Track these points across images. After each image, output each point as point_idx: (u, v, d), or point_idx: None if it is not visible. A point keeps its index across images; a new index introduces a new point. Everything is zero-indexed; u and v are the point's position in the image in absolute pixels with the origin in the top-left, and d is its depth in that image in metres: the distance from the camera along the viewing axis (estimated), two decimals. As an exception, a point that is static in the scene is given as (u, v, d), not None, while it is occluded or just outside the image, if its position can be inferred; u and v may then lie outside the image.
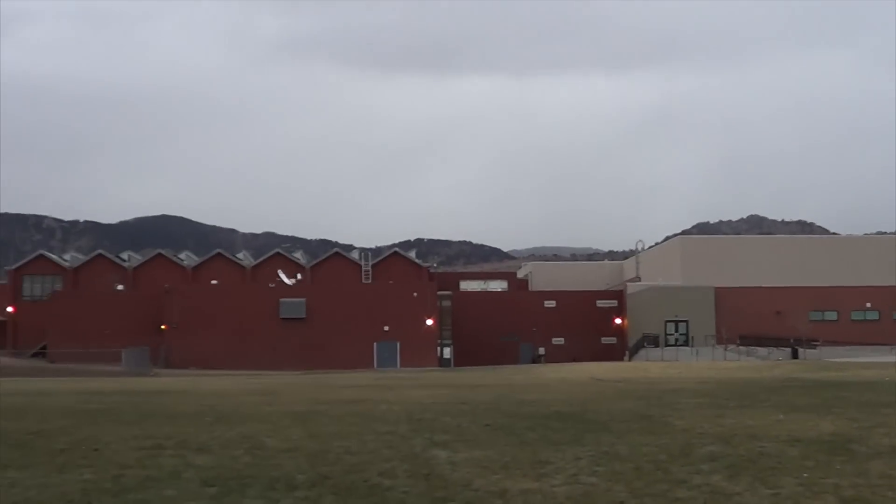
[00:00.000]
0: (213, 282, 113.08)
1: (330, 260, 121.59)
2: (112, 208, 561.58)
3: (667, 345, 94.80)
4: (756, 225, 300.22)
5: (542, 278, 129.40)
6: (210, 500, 12.43)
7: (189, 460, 16.41)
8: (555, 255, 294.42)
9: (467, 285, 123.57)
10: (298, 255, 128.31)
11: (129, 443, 19.20)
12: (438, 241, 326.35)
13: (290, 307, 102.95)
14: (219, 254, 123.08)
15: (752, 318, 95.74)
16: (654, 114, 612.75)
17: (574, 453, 16.71)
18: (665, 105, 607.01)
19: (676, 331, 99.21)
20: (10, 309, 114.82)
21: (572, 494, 12.57)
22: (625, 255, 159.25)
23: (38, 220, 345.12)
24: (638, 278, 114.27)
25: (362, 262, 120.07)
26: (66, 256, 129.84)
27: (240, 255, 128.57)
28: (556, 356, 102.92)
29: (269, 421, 24.27)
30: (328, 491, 13.04)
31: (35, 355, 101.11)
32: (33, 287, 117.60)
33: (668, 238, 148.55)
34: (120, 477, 14.53)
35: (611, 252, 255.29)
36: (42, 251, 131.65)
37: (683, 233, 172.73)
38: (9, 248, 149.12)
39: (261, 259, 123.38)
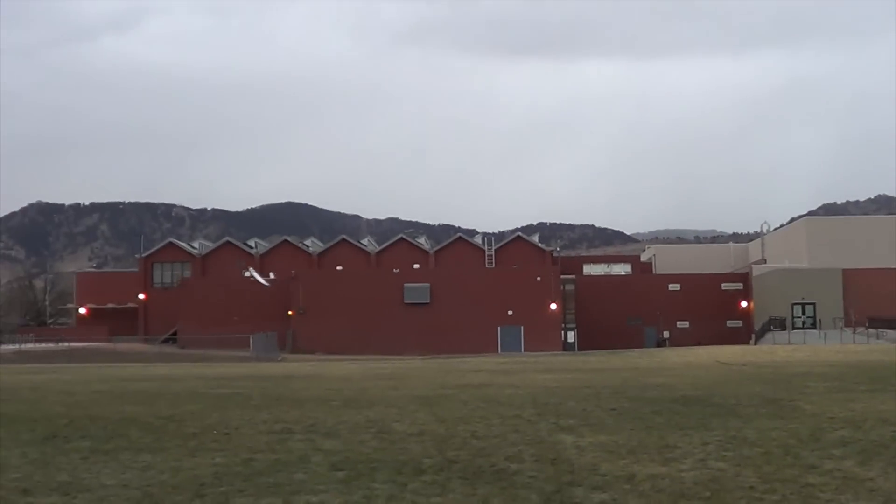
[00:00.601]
0: (339, 267, 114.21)
1: (453, 245, 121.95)
2: (239, 196, 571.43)
3: (794, 328, 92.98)
4: (884, 205, 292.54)
5: (665, 261, 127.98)
6: (339, 483, 12.55)
7: (318, 444, 16.60)
8: (678, 237, 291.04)
9: (590, 269, 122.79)
10: (422, 241, 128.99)
11: (258, 427, 19.51)
12: (561, 224, 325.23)
13: (414, 292, 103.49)
14: (343, 240, 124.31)
15: (881, 300, 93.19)
16: (778, 95, 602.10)
17: (701, 438, 16.53)
18: (788, 86, 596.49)
19: (804, 314, 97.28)
20: (141, 296, 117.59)
21: (701, 479, 12.42)
22: (749, 238, 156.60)
23: (168, 208, 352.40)
24: (763, 260, 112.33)
25: (485, 247, 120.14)
26: (195, 244, 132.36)
27: (364, 241, 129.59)
28: (680, 340, 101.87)
29: (395, 405, 24.43)
30: (455, 475, 13.08)
31: (166, 341, 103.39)
32: (163, 274, 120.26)
33: (793, 220, 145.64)
34: (250, 461, 14.76)
35: (735, 234, 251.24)
36: (171, 239, 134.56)
37: (809, 214, 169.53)
38: (139, 236, 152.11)
39: (385, 245, 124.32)
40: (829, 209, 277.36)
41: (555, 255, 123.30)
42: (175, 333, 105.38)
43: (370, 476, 13.08)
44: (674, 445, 15.69)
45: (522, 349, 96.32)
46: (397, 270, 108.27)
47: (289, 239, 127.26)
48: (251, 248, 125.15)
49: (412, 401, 25.76)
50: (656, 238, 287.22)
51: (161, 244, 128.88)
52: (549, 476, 12.87)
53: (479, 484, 12.36)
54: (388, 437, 17.62)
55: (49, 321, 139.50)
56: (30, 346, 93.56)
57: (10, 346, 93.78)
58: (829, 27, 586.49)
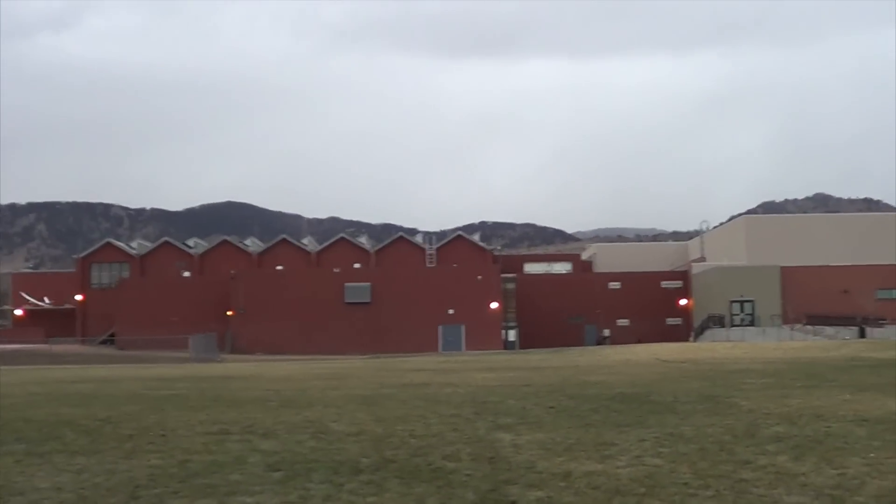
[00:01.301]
0: (279, 267, 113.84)
1: (394, 244, 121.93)
2: (178, 195, 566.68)
3: (732, 325, 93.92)
4: (822, 203, 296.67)
5: (606, 260, 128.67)
6: (275, 484, 12.52)
7: (255, 445, 16.55)
8: (619, 236, 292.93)
9: (531, 268, 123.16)
10: (363, 240, 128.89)
11: (195, 428, 19.41)
12: (502, 223, 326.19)
13: (355, 292, 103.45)
14: (284, 240, 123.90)
15: (818, 298, 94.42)
16: (718, 94, 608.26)
17: (638, 435, 16.69)
18: (728, 85, 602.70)
19: (742, 311, 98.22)
20: (78, 297, 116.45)
21: (636, 476, 12.52)
22: (689, 236, 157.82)
23: (106, 208, 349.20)
24: (703, 258, 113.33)
25: (426, 246, 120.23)
26: (133, 244, 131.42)
27: (305, 241, 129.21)
28: (621, 338, 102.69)
29: (334, 405, 24.42)
30: (392, 475, 13.09)
31: (104, 342, 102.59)
32: (101, 275, 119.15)
33: (732, 218, 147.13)
34: (187, 462, 14.67)
35: (675, 232, 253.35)
36: (109, 239, 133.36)
37: (748, 212, 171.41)
38: (77, 236, 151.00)
39: (325, 244, 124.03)
40: (767, 207, 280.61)
41: (496, 253, 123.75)
42: (113, 335, 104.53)
43: (307, 476, 13.06)
44: (610, 443, 15.80)
45: (463, 348, 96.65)
46: (338, 270, 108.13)
47: (228, 239, 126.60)
48: (190, 247, 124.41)
49: (351, 400, 25.77)
50: (597, 237, 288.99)
51: (99, 244, 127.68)
52: (485, 474, 12.91)
53: (415, 483, 12.38)
54: (327, 437, 17.60)
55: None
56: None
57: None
58: (769, 27, 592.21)
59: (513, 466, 13.56)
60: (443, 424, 19.14)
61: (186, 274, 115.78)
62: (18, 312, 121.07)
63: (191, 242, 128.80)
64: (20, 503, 11.64)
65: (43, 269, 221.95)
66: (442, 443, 16.38)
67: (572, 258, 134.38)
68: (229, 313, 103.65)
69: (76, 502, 11.62)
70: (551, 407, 22.18)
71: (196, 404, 25.72)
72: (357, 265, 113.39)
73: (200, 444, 16.92)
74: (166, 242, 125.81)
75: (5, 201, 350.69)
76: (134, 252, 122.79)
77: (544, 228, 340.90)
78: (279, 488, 12.23)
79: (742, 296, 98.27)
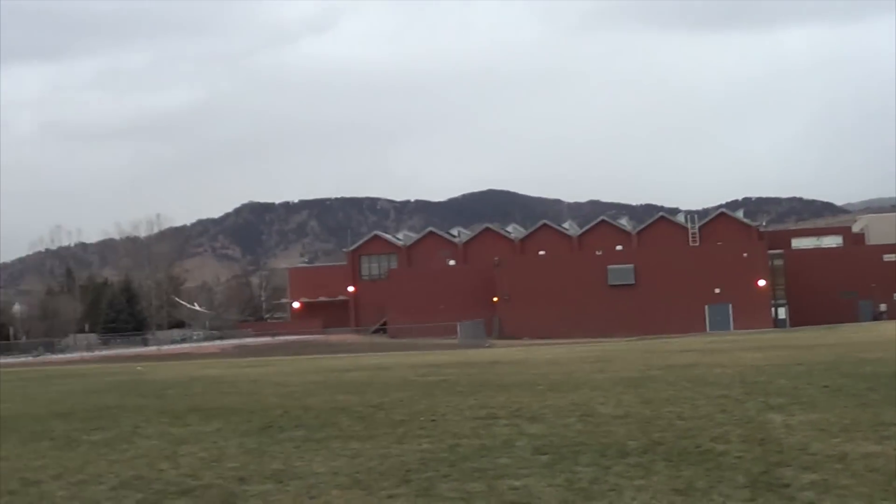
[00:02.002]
0: (541, 253, 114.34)
1: (656, 224, 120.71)
2: (441, 186, 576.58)
3: None
4: None
5: (879, 231, 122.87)
6: (542, 467, 12.54)
7: (522, 429, 16.61)
8: (893, 206, 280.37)
9: (799, 243, 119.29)
10: (624, 222, 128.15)
11: (464, 413, 19.65)
12: (767, 198, 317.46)
13: (618, 274, 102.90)
14: (544, 225, 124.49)
15: None
16: None
17: (920, 413, 15.92)
18: None
19: None
20: (350, 289, 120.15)
21: (918, 458, 11.95)
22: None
23: (373, 202, 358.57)
24: None
25: (689, 225, 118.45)
26: (399, 235, 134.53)
27: (565, 225, 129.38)
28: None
29: (601, 388, 24.28)
30: (660, 457, 12.90)
31: (376, 331, 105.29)
32: (371, 266, 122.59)
33: None
34: (456, 446, 14.87)
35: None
36: (377, 232, 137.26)
37: None
38: (346, 230, 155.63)
39: (586, 227, 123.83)
40: None
41: (761, 230, 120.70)
42: (385, 323, 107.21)
43: (573, 459, 13.02)
44: (890, 423, 15.06)
45: (731, 327, 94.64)
46: (600, 252, 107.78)
47: (490, 226, 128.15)
48: (454, 236, 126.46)
49: (618, 383, 25.56)
50: (868, 208, 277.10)
51: (367, 237, 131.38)
52: (756, 456, 12.56)
53: (683, 465, 12.16)
54: (593, 420, 17.51)
55: (265, 316, 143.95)
56: (248, 340, 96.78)
57: (231, 341, 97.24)
58: None
59: (785, 448, 13.14)
60: (711, 406, 18.75)
61: (452, 262, 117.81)
62: (296, 305, 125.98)
63: (454, 231, 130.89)
64: (299, 486, 12.03)
65: (317, 263, 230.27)
66: (711, 424, 16.04)
67: (843, 231, 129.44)
68: (495, 299, 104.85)
69: (351, 486, 11.93)
70: (825, 386, 21.41)
71: (465, 389, 26.04)
72: (619, 247, 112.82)
73: (469, 428, 17.12)
74: (431, 233, 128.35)
75: (279, 200, 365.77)
76: (400, 243, 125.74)
77: (812, 202, 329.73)
78: (546, 471, 12.24)
79: None
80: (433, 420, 18.62)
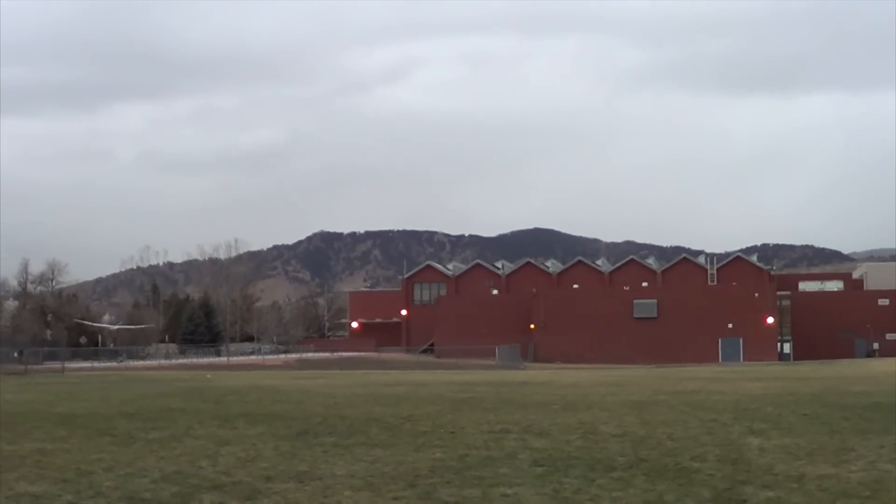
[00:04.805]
0: (575, 286, 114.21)
1: (678, 264, 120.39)
2: (493, 223, 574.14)
3: None
4: None
5: (877, 278, 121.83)
6: (535, 478, 12.59)
7: (528, 443, 16.66)
8: (893, 255, 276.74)
9: (805, 286, 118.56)
10: (651, 261, 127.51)
11: (481, 427, 19.71)
12: (782, 245, 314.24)
13: (643, 307, 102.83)
14: (580, 261, 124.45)
15: None
16: None
17: (879, 441, 15.80)
18: None
19: None
20: (403, 312, 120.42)
21: (865, 480, 11.88)
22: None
23: (430, 235, 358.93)
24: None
25: (708, 266, 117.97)
26: (450, 266, 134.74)
27: (598, 262, 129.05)
28: (891, 351, 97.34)
29: (609, 409, 24.26)
30: (641, 472, 12.92)
31: (424, 351, 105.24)
32: (422, 293, 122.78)
33: None
34: (465, 456, 14.94)
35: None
36: (429, 262, 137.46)
37: None
38: (405, 260, 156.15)
39: (616, 265, 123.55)
40: None
41: (772, 273, 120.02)
42: (432, 344, 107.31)
43: (565, 472, 13.06)
44: (850, 448, 15.04)
45: (741, 359, 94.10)
46: (627, 288, 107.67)
47: (531, 261, 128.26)
48: (498, 269, 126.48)
49: (625, 405, 25.51)
50: (871, 256, 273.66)
51: (420, 267, 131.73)
52: (725, 475, 12.56)
53: (659, 480, 12.18)
54: (593, 437, 17.53)
55: (328, 334, 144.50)
56: (310, 355, 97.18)
57: (294, 355, 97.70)
58: None
59: (752, 468, 13.13)
60: (700, 428, 18.71)
61: (495, 292, 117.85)
62: (354, 325, 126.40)
63: (499, 264, 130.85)
64: (317, 486, 12.16)
65: (378, 289, 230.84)
66: (694, 444, 16.03)
67: (844, 276, 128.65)
68: (531, 326, 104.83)
69: (362, 487, 12.05)
70: (805, 414, 21.28)
71: (489, 406, 26.08)
72: (645, 284, 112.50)
73: (482, 440, 17.18)
74: (477, 264, 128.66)
75: (347, 230, 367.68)
76: (450, 273, 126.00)
77: (822, 249, 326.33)
78: (538, 481, 12.30)
79: None
80: (452, 432, 18.69)
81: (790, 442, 16.06)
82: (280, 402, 28.92)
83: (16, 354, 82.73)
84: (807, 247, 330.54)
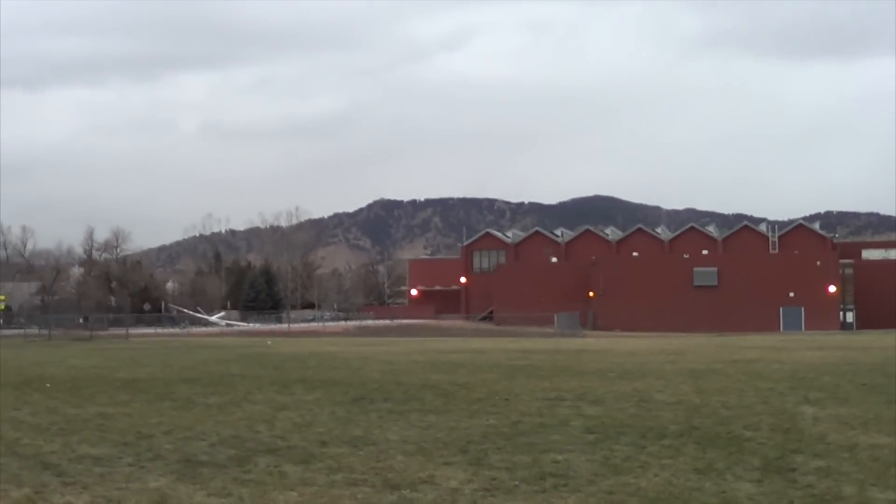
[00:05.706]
0: (634, 254, 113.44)
1: (739, 232, 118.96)
2: (553, 190, 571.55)
3: None
4: None
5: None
6: (586, 444, 12.66)
7: (581, 410, 16.72)
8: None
9: (869, 254, 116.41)
10: (711, 229, 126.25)
11: (536, 394, 19.81)
12: (847, 213, 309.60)
13: (703, 276, 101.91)
14: (639, 229, 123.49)
15: None
16: None
17: (937, 411, 15.64)
18: None
19: None
20: (462, 280, 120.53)
21: (918, 450, 11.81)
22: None
23: (490, 202, 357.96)
24: None
25: (769, 234, 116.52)
26: (509, 233, 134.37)
27: (658, 230, 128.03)
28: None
29: (664, 377, 24.23)
30: (692, 440, 12.94)
31: (483, 319, 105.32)
32: (482, 260, 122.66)
33: None
34: (518, 423, 15.05)
35: None
36: (488, 229, 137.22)
37: None
38: (465, 227, 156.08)
39: (676, 233, 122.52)
40: None
41: (834, 241, 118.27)
42: (491, 312, 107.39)
43: (616, 439, 13.13)
44: (907, 419, 14.89)
45: (803, 328, 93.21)
46: (687, 256, 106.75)
47: (591, 228, 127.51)
48: (557, 236, 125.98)
49: (681, 374, 25.46)
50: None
51: (479, 234, 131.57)
52: (776, 444, 12.54)
53: (710, 449, 12.19)
54: (647, 405, 17.55)
55: (387, 301, 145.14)
56: (369, 322, 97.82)
57: (354, 322, 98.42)
58: None
59: (804, 437, 13.10)
60: (756, 397, 18.65)
61: (554, 259, 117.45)
62: (414, 292, 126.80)
63: (558, 232, 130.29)
64: (370, 451, 12.33)
65: (438, 256, 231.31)
66: (748, 413, 16.00)
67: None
68: (590, 294, 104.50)
69: (414, 452, 12.20)
70: (863, 384, 21.10)
71: (545, 373, 26.16)
72: (705, 252, 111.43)
73: (535, 407, 17.28)
74: (537, 232, 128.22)
75: (407, 198, 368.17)
76: (509, 241, 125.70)
77: (888, 217, 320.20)
78: (588, 448, 12.37)
79: None
80: (506, 399, 18.82)
81: (845, 412, 15.97)
82: (338, 368, 29.25)
83: (81, 321, 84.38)
84: (872, 214, 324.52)
